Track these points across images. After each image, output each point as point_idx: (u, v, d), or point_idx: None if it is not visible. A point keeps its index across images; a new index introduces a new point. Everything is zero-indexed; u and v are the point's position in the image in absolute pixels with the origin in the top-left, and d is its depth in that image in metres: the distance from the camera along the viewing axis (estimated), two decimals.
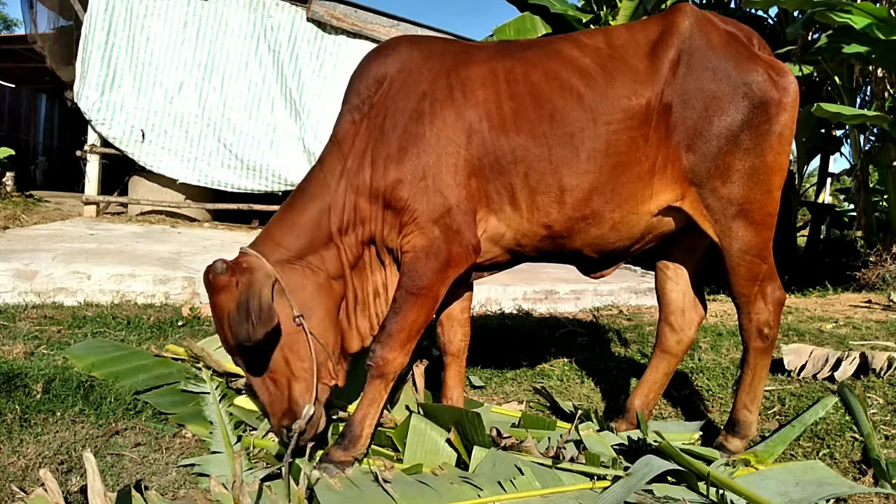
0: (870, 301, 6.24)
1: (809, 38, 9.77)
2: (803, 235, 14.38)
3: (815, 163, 13.85)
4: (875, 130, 9.53)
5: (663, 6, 11.02)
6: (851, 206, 15.61)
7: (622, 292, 6.19)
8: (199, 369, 3.24)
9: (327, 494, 2.13)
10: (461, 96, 2.41)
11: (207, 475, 2.28)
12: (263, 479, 2.22)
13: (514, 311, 5.46)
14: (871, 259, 7.85)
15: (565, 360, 4.01)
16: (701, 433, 2.86)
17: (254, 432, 2.68)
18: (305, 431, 2.29)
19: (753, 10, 11.13)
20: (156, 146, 9.09)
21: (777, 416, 3.16)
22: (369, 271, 2.54)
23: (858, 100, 9.57)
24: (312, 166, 2.57)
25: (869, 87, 9.46)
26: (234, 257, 2.42)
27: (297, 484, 2.10)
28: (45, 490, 1.89)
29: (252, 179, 9.35)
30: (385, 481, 2.18)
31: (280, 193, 9.53)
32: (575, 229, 2.49)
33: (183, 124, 9.13)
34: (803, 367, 3.64)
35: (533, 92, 2.42)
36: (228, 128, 9.22)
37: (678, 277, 2.79)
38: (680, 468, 2.28)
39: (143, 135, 8.99)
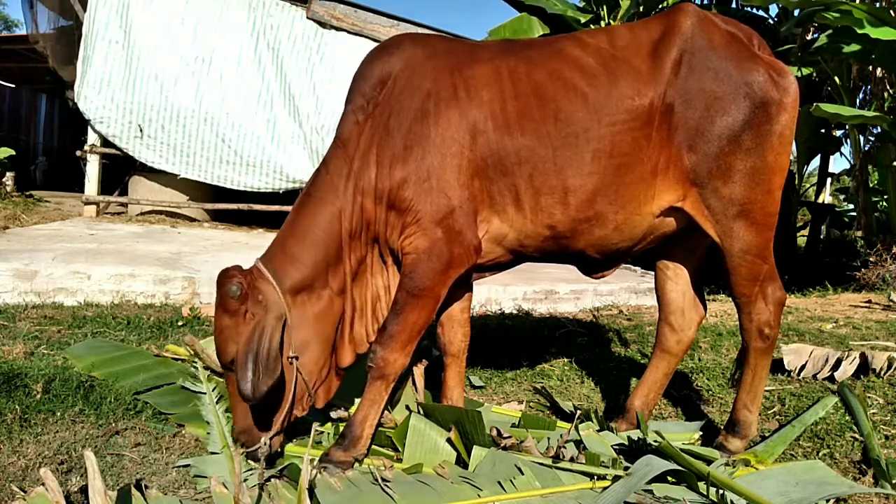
0: (870, 301, 6.24)
1: (808, 37, 9.76)
2: (803, 235, 14.37)
3: (815, 163, 13.86)
4: (875, 130, 9.53)
5: (662, 5, 11.01)
6: (851, 206, 15.59)
7: (622, 292, 6.19)
8: (198, 369, 3.24)
9: (327, 494, 2.13)
10: (465, 96, 2.40)
11: (206, 476, 2.28)
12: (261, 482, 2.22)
13: (514, 311, 5.46)
14: (871, 259, 7.84)
15: (565, 360, 4.01)
16: (701, 433, 2.86)
17: None
18: (257, 450, 2.30)
19: (753, 10, 11.12)
20: (155, 143, 9.08)
21: (777, 416, 3.16)
22: (370, 274, 2.53)
23: (858, 100, 9.57)
24: (317, 169, 2.53)
25: (868, 87, 9.46)
26: (248, 267, 2.38)
27: (297, 484, 2.10)
28: (46, 489, 1.89)
29: (252, 176, 9.31)
30: (385, 481, 2.18)
31: (281, 191, 9.50)
32: (578, 230, 2.48)
33: (181, 120, 9.12)
34: (803, 367, 3.64)
35: (537, 92, 2.41)
36: (227, 123, 9.20)
37: (678, 277, 2.79)
38: (680, 468, 2.28)
39: (142, 130, 8.97)
